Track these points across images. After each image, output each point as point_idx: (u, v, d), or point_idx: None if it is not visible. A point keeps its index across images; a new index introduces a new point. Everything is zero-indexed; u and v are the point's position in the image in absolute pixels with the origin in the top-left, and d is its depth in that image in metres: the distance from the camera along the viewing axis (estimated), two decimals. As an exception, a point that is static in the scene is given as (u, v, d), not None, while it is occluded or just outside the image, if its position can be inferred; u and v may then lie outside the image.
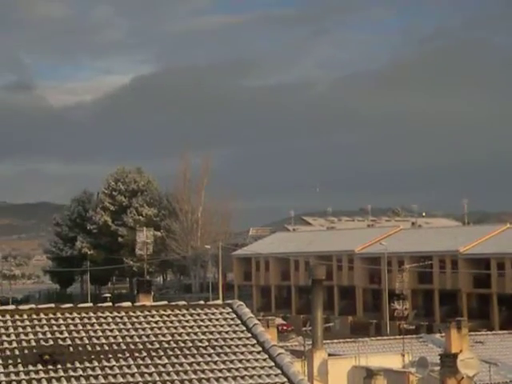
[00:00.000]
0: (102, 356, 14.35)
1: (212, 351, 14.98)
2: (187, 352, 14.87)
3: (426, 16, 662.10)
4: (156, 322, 15.75)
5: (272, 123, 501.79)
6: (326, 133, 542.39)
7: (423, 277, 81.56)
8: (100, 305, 16.36)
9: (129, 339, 15.04)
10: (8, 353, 14.10)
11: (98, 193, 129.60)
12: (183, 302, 16.83)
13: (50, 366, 13.80)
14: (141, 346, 14.85)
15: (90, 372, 13.84)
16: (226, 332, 15.73)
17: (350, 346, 35.43)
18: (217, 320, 16.15)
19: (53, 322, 15.23)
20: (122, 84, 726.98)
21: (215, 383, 14.09)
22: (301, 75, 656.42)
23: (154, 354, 14.66)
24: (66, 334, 14.86)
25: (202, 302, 16.95)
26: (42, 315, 15.37)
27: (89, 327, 15.22)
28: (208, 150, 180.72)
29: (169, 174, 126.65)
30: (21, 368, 13.67)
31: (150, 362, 14.40)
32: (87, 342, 14.74)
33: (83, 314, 15.61)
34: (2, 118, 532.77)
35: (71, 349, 14.44)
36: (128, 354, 14.53)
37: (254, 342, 15.46)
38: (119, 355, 14.46)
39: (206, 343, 15.22)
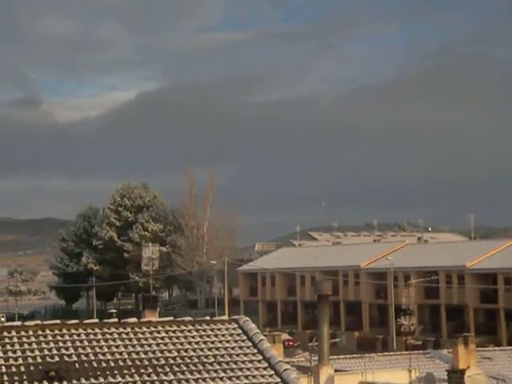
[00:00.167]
0: (107, 372, 14.31)
1: (218, 367, 14.92)
2: (193, 368, 14.82)
3: (429, 31, 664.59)
4: (162, 338, 15.71)
5: (276, 138, 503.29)
6: (331, 147, 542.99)
7: (430, 292, 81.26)
8: (106, 321, 16.34)
9: (135, 355, 15.00)
10: (14, 369, 14.07)
11: (104, 208, 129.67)
12: (189, 318, 16.79)
13: (56, 383, 13.75)
14: (147, 362, 14.81)
15: (95, 388, 13.80)
16: (232, 348, 15.68)
17: (357, 361, 35.29)
18: (223, 336, 16.10)
19: (58, 338, 15.20)
20: (126, 100, 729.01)
21: (221, 399, 14.04)
22: (305, 91, 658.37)
23: (160, 370, 14.62)
24: (72, 351, 14.83)
25: (207, 318, 16.91)
26: (47, 331, 15.34)
27: (95, 343, 15.19)
28: (213, 166, 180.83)
29: (174, 190, 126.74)
30: (26, 384, 13.63)
31: (155, 378, 14.35)
32: (93, 358, 14.70)
33: (89, 330, 15.58)
34: (8, 134, 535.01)
35: (77, 365, 14.40)
36: (134, 370, 14.49)
37: (260, 357, 15.40)
38: (125, 371, 14.41)
39: (212, 359, 15.17)
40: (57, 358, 14.49)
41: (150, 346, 15.38)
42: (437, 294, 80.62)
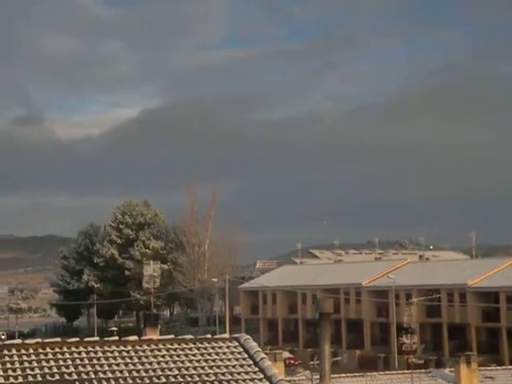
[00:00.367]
0: (108, 390, 14.25)
1: (219, 386, 14.86)
2: (194, 386, 14.75)
3: (431, 46, 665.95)
4: (163, 356, 15.65)
5: (278, 156, 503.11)
6: (333, 165, 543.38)
7: (431, 310, 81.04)
8: (106, 339, 16.28)
9: (135, 373, 14.94)
10: (14, 387, 14.01)
11: (105, 226, 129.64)
12: (190, 336, 16.74)
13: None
14: (147, 380, 14.75)
15: (96, 407, 13.75)
16: (233, 366, 15.61)
17: (358, 380, 35.15)
18: (224, 354, 16.05)
19: (59, 356, 15.15)
20: (129, 117, 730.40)
21: (222, 418, 13.97)
22: (308, 109, 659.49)
23: (160, 388, 14.54)
24: (72, 369, 14.77)
25: (208, 336, 16.85)
26: (48, 349, 15.29)
27: (95, 361, 15.13)
28: (215, 183, 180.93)
29: (176, 207, 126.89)
30: (26, 403, 13.58)
31: (156, 396, 14.28)
32: (93, 376, 14.65)
33: (89, 348, 15.53)
34: (10, 151, 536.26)
35: (77, 383, 14.33)
36: (134, 389, 14.42)
37: (261, 376, 15.33)
38: (125, 390, 14.35)
39: (213, 377, 15.10)
40: (57, 376, 14.43)
41: (150, 363, 15.32)
42: (438, 312, 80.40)
